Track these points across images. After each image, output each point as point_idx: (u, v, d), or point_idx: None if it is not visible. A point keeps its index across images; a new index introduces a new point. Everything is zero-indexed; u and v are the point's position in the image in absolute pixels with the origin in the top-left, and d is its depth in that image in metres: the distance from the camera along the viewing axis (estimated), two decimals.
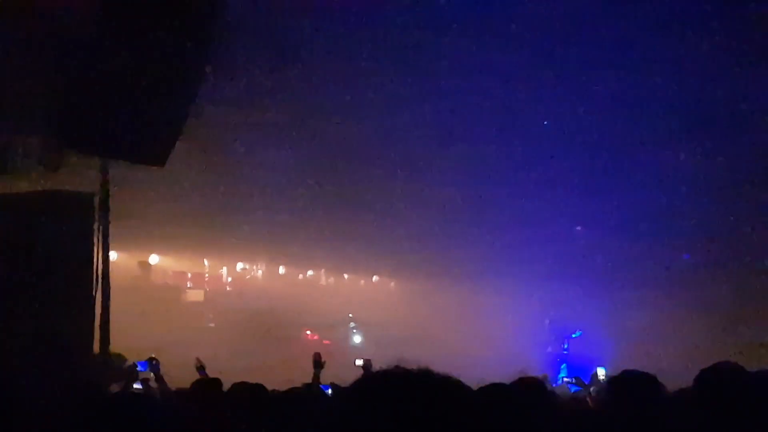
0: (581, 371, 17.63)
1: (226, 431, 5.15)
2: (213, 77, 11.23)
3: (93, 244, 10.96)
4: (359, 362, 10.17)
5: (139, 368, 8.89)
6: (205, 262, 33.30)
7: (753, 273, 20.85)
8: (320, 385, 8.19)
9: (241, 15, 11.80)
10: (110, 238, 11.18)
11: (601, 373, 17.00)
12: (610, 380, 5.26)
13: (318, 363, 9.30)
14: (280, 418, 5.17)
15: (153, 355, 9.41)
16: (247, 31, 12.90)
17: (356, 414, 2.25)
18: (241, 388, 5.89)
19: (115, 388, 8.51)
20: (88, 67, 10.02)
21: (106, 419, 4.73)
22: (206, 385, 5.93)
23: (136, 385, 8.85)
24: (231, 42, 11.75)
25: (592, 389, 10.47)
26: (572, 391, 11.55)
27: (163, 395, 7.72)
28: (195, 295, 31.87)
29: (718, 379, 4.99)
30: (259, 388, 6.14)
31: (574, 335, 25.03)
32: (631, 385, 5.13)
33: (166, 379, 9.03)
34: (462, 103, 16.82)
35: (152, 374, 8.89)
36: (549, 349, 25.58)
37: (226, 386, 6.10)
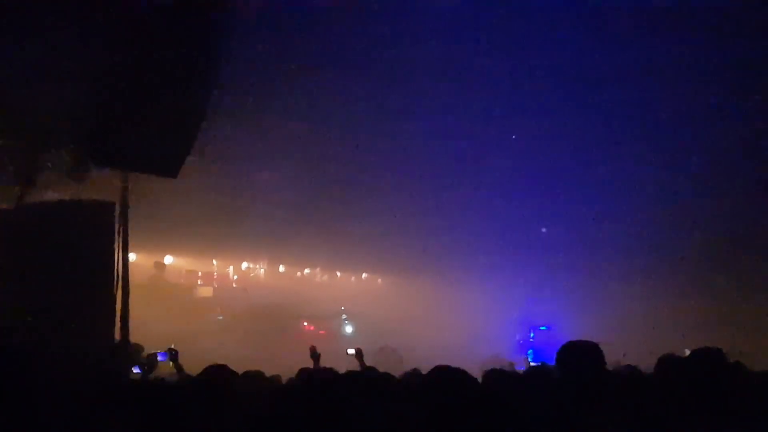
0: (546, 357, 17.65)
1: (233, 416, 5.14)
2: (220, 93, 11.20)
3: (114, 246, 10.94)
4: (351, 351, 10.11)
5: (159, 358, 8.83)
6: (214, 261, 33.20)
7: (718, 268, 20.89)
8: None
9: (246, 31, 11.76)
10: (129, 241, 11.18)
11: None
12: (559, 349, 5.24)
13: (314, 354, 9.24)
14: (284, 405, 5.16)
15: (172, 346, 9.37)
16: (252, 46, 12.89)
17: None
18: (243, 375, 5.88)
19: (134, 375, 8.48)
20: (109, 87, 10.01)
21: (127, 404, 4.72)
22: (216, 372, 5.90)
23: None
24: (237, 58, 11.73)
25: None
26: None
27: (181, 382, 7.68)
28: (205, 292, 31.74)
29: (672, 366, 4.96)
30: (260, 375, 6.12)
31: (542, 328, 25.09)
32: (575, 351, 5.09)
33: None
34: (446, 110, 16.81)
35: (171, 363, 8.84)
36: (517, 338, 25.65)
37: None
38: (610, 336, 20.01)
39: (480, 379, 5.01)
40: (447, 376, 4.34)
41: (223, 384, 5.44)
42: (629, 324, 21.63)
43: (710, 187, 18.04)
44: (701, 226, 19.57)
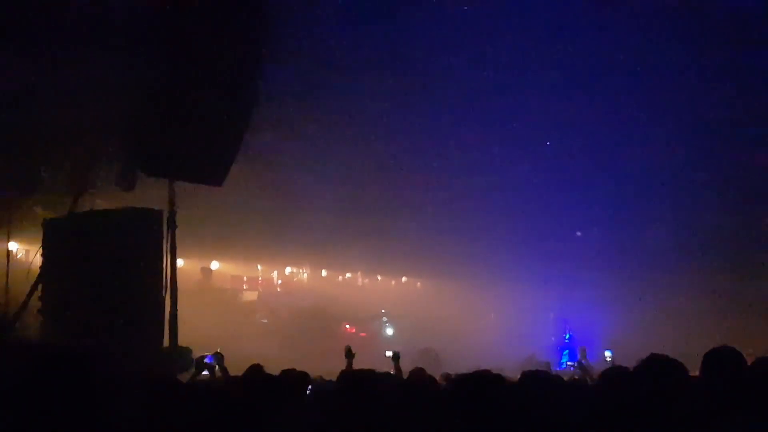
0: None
1: (274, 416, 5.16)
2: (264, 103, 11.27)
3: (162, 252, 11.04)
4: (389, 353, 10.11)
5: (206, 360, 8.89)
6: (258, 266, 33.35)
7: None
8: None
9: (289, 39, 11.83)
10: (177, 248, 11.27)
11: (608, 354, 16.94)
12: (643, 362, 4.96)
13: (349, 354, 9.25)
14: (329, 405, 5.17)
15: (219, 350, 9.42)
16: (295, 54, 12.95)
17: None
18: (288, 375, 5.89)
19: (183, 376, 8.54)
20: (155, 99, 10.13)
21: (174, 404, 4.77)
22: (256, 373, 5.93)
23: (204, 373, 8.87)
24: (281, 67, 11.81)
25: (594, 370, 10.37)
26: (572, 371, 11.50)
27: (227, 384, 7.72)
28: (250, 296, 31.91)
29: (720, 363, 4.82)
30: (304, 376, 6.13)
31: (566, 337, 24.99)
32: (659, 367, 4.85)
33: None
34: (486, 120, 16.77)
35: (217, 366, 8.90)
36: (553, 339, 25.51)
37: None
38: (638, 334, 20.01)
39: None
40: (483, 382, 4.32)
41: (264, 386, 5.47)
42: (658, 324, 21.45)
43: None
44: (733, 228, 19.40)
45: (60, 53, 10.09)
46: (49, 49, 10.03)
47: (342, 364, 8.44)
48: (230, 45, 10.05)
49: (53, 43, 10.00)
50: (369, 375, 4.90)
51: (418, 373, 6.84)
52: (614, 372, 5.18)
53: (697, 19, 13.78)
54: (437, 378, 7.06)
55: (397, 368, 9.03)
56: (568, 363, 19.23)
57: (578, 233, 22.91)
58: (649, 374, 4.85)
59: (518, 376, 5.03)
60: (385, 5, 13.36)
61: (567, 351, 23.83)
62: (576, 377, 9.95)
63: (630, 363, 5.08)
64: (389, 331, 31.52)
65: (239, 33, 10.10)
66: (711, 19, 13.73)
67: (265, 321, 29.24)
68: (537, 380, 4.83)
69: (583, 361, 11.56)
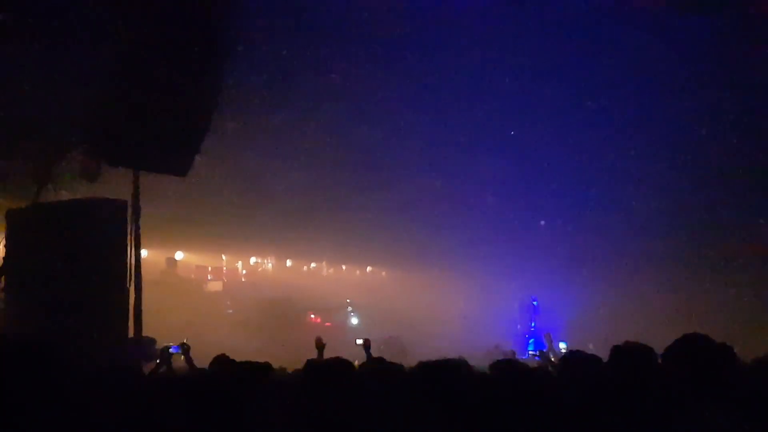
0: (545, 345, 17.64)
1: (239, 405, 5.14)
2: (227, 93, 11.20)
3: (126, 243, 10.96)
4: (359, 341, 10.11)
5: (171, 350, 8.83)
6: (223, 257, 33.24)
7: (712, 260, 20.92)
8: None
9: (253, 30, 11.75)
10: (141, 238, 11.20)
11: (562, 346, 17.03)
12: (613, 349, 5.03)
13: (320, 345, 9.24)
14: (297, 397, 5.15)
15: (185, 340, 9.37)
16: (259, 45, 12.86)
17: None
18: (250, 366, 5.84)
19: (147, 367, 8.49)
20: (119, 88, 10.05)
21: (140, 397, 4.74)
22: (223, 364, 5.89)
23: None
24: (244, 58, 11.74)
25: (553, 359, 10.50)
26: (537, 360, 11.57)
27: (191, 375, 7.68)
28: (215, 286, 31.78)
29: (685, 350, 4.85)
30: (267, 366, 6.08)
31: (534, 302, 25.07)
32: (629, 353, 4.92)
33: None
34: (448, 111, 16.79)
35: (182, 356, 8.85)
36: (518, 327, 25.64)
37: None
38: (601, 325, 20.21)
39: (488, 371, 4.95)
40: (448, 368, 4.34)
41: (231, 377, 5.44)
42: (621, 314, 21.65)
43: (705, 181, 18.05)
44: (693, 219, 19.61)
45: (21, 43, 9.97)
46: (10, 38, 9.91)
47: (307, 354, 8.42)
48: (195, 32, 9.98)
49: (13, 33, 9.89)
50: (336, 364, 4.90)
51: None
52: (573, 357, 5.24)
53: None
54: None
55: (368, 356, 9.04)
56: (531, 352, 19.34)
57: (542, 222, 23.06)
58: (614, 361, 4.91)
59: (483, 365, 5.04)
60: None
61: (532, 340, 23.98)
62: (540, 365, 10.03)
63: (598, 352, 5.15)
64: (354, 321, 31.55)
65: (204, 20, 10.03)
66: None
67: (231, 311, 29.15)
68: (505, 370, 4.85)
69: (547, 347, 11.65)
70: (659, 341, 5.06)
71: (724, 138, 16.73)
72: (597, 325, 20.48)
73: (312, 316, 30.66)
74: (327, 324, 29.73)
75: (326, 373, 4.75)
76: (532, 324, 25.11)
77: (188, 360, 8.69)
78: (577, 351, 5.31)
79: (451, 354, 4.88)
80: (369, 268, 38.76)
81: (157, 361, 8.71)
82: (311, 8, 13.14)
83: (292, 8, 12.94)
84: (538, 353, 12.02)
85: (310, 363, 5.16)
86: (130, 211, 11.04)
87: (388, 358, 5.62)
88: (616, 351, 5.04)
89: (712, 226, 19.87)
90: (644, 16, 13.58)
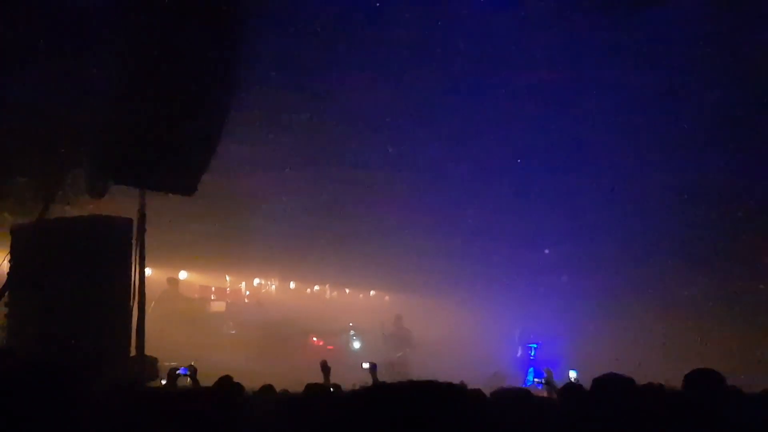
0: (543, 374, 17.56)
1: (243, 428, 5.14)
2: (234, 114, 11.21)
3: (131, 261, 10.97)
4: (366, 365, 10.12)
5: (180, 372, 8.87)
6: (227, 277, 33.19)
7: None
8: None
9: (260, 52, 11.76)
10: (145, 257, 11.21)
11: (572, 375, 16.99)
12: (594, 382, 5.01)
13: (325, 368, 9.24)
14: (292, 418, 5.14)
15: (192, 363, 9.39)
16: (267, 68, 12.88)
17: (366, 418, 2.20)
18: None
19: (149, 385, 8.50)
20: (127, 107, 10.08)
21: (141, 413, 4.73)
22: (225, 386, 5.89)
23: None
24: (251, 80, 11.75)
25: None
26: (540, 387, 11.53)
27: (197, 394, 7.69)
28: (218, 306, 31.66)
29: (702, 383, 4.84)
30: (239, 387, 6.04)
31: (532, 345, 24.98)
32: (610, 386, 4.90)
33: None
34: (453, 131, 16.73)
35: (189, 379, 8.88)
36: (518, 354, 25.55)
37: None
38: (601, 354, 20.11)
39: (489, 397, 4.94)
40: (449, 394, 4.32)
41: (234, 397, 5.44)
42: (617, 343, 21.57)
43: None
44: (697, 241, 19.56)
45: (30, 59, 10.03)
46: (19, 55, 9.97)
47: (309, 376, 8.41)
48: (204, 53, 10.02)
49: (23, 50, 9.94)
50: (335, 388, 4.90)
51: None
52: (572, 388, 5.22)
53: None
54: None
55: (375, 379, 9.06)
56: (536, 380, 19.23)
57: (546, 251, 23.01)
58: (601, 393, 4.89)
59: (482, 390, 5.03)
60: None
61: (532, 368, 23.88)
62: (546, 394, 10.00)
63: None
64: (356, 345, 31.43)
65: (213, 40, 10.07)
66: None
67: (233, 332, 29.05)
68: (507, 397, 4.84)
69: (546, 375, 11.60)
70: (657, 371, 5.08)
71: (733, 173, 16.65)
72: (597, 355, 20.37)
73: (314, 338, 30.57)
74: (329, 347, 29.60)
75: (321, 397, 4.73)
76: (532, 353, 25.01)
77: (195, 381, 8.72)
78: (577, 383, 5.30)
79: (452, 380, 4.86)
80: (372, 293, 38.71)
81: (163, 381, 8.75)
82: (321, 33, 13.16)
83: (303, 33, 12.97)
84: (542, 381, 11.99)
85: (309, 388, 5.16)
86: (135, 229, 11.06)
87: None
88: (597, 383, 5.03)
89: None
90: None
